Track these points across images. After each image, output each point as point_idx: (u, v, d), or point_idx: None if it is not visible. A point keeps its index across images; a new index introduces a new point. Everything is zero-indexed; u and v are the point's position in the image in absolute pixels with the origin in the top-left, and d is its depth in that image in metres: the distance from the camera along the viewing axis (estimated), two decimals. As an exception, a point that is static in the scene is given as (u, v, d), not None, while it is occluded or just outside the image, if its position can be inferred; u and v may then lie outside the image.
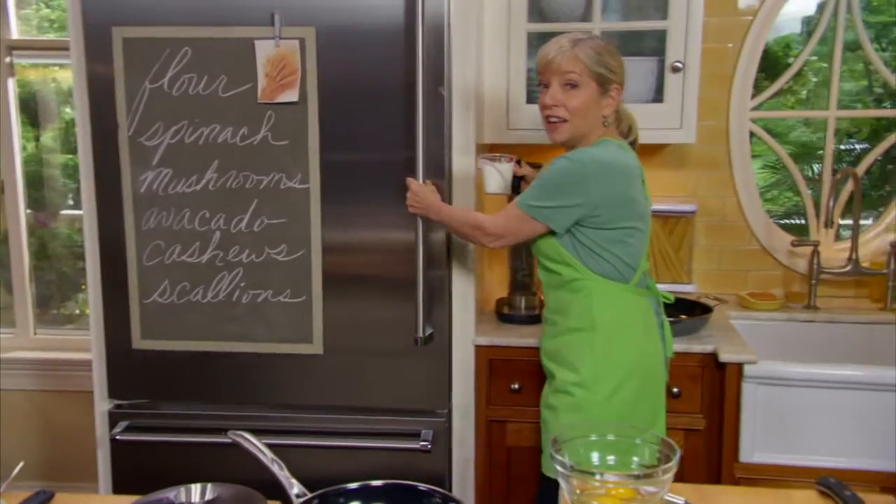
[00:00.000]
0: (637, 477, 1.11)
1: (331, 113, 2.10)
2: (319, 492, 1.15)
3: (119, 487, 2.29)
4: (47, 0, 3.21)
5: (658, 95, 2.43)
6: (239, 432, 1.26)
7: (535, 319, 2.41)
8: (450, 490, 2.24)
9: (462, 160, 2.16)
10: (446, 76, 2.09)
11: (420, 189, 2.02)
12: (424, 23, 2.00)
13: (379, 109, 2.09)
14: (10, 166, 3.08)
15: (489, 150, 2.60)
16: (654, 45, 2.45)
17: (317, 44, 2.06)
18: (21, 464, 1.26)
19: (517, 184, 2.18)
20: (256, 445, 1.24)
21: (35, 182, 3.21)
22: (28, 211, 3.17)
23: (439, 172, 2.10)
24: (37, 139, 3.26)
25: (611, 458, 1.18)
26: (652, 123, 2.41)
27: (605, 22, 2.43)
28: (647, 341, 1.89)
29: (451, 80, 2.12)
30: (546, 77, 1.83)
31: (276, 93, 2.09)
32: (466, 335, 2.24)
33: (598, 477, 1.11)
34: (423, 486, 1.16)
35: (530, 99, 2.44)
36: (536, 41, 2.47)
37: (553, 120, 1.83)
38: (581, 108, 1.80)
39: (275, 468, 1.20)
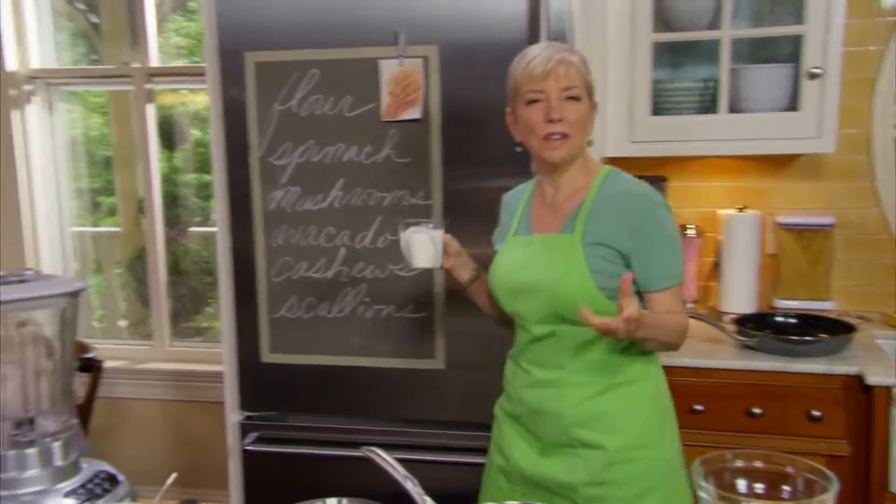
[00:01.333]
0: (790, 508, 1.04)
1: (453, 129, 2.10)
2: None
3: (249, 497, 2.35)
4: (178, 28, 3.39)
5: (792, 103, 2.32)
6: (372, 448, 1.27)
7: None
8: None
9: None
10: (569, 90, 2.06)
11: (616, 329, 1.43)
12: (549, 38, 1.98)
13: (501, 125, 2.05)
14: (149, 186, 3.25)
15: (612, 164, 2.55)
16: (788, 50, 2.34)
17: (440, 61, 2.07)
18: (174, 475, 1.30)
19: None
20: (389, 462, 1.24)
21: (168, 200, 3.38)
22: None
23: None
24: (169, 160, 3.43)
25: (759, 487, 1.11)
26: (785, 133, 2.31)
27: (736, 29, 2.34)
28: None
29: (575, 93, 2.08)
30: (542, 89, 1.57)
31: (400, 111, 2.12)
32: (590, 353, 2.19)
33: (746, 506, 1.05)
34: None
35: (656, 111, 2.38)
36: (662, 51, 2.41)
37: (556, 137, 1.58)
38: (580, 122, 1.59)
39: (408, 485, 1.20)
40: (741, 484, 1.12)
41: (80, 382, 2.64)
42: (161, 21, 3.28)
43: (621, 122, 2.40)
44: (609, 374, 1.61)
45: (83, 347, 2.67)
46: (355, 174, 2.18)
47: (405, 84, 2.11)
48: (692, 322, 2.44)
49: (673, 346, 1.61)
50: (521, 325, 1.69)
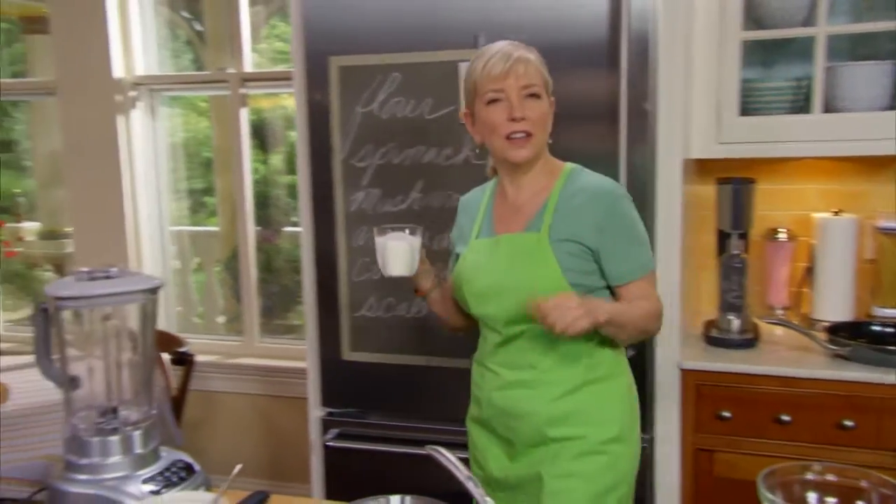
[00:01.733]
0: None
1: (532, 131, 2.09)
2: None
3: (330, 490, 2.41)
4: (279, 33, 3.50)
5: (893, 102, 2.20)
6: (436, 447, 1.27)
7: (747, 343, 2.27)
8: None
9: (669, 178, 2.08)
10: (650, 90, 2.02)
11: (563, 301, 1.46)
12: (630, 37, 1.96)
13: (581, 127, 2.06)
14: (241, 188, 3.37)
15: (697, 166, 2.48)
16: (889, 47, 2.23)
17: (519, 63, 2.07)
18: (239, 466, 1.35)
19: None
20: (452, 461, 1.25)
21: (263, 201, 3.49)
22: (257, 228, 3.45)
23: (640, 189, 2.02)
24: (265, 162, 3.55)
25: (831, 501, 1.07)
26: (886, 133, 2.20)
27: (832, 25, 2.24)
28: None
29: (657, 94, 2.04)
30: (502, 88, 1.56)
31: (479, 113, 2.12)
32: (671, 358, 2.14)
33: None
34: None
35: (744, 111, 2.30)
36: (752, 50, 2.34)
37: (519, 136, 1.57)
38: (542, 120, 1.59)
39: (470, 485, 1.20)
40: (812, 497, 1.08)
41: (175, 376, 2.77)
42: (259, 27, 3.40)
43: (708, 123, 2.33)
44: (581, 371, 1.61)
45: (177, 342, 2.80)
46: (434, 176, 2.20)
47: (484, 86, 2.11)
48: (779, 330, 2.38)
49: (650, 333, 1.63)
50: (490, 328, 1.68)
